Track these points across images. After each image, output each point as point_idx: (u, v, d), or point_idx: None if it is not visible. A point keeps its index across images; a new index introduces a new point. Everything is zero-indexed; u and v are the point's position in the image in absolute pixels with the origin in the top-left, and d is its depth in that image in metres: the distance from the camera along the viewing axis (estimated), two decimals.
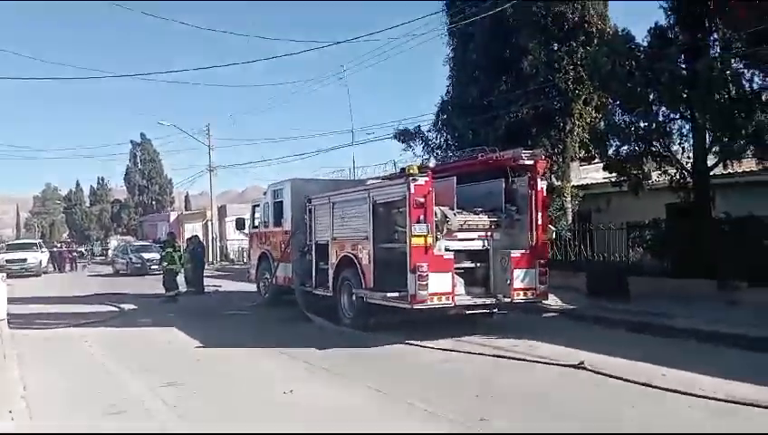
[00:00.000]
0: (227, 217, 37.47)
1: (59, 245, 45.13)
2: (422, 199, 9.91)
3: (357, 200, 11.70)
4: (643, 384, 7.18)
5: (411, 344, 10.07)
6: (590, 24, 16.50)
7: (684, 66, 13.40)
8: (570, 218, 17.71)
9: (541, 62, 16.39)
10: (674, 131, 14.21)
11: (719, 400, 6.47)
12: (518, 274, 10.68)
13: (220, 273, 29.99)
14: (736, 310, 11.45)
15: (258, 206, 17.03)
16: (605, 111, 15.70)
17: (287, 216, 14.65)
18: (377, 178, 13.33)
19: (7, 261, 32.63)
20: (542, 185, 11.11)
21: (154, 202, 64.89)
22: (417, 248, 9.87)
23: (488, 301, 10.80)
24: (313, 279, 13.26)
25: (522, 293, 10.76)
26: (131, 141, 65.58)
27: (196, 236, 23.46)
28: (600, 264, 15.16)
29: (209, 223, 40.51)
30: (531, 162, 10.99)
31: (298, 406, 6.84)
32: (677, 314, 11.35)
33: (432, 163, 13.83)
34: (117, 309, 16.28)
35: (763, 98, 12.61)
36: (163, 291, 18.20)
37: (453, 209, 10.58)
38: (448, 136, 18.40)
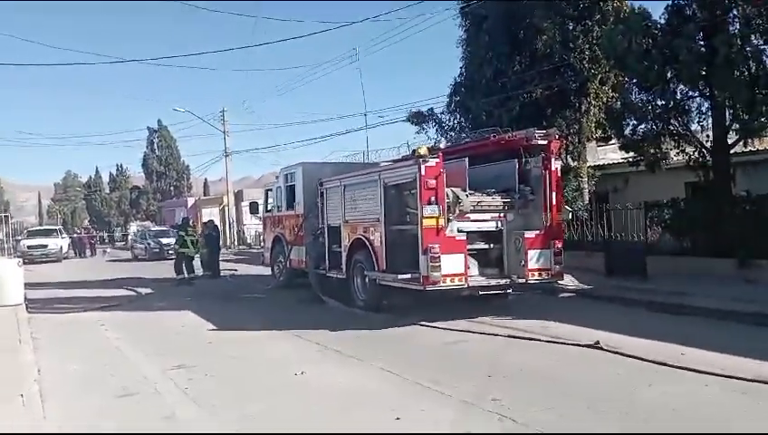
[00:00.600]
0: (244, 202, 37.54)
1: (79, 231, 45.72)
2: (433, 181, 9.82)
3: (368, 183, 11.65)
4: (659, 363, 7.07)
5: (424, 326, 10.04)
6: (605, 2, 16.18)
7: (702, 43, 13.10)
8: (586, 199, 17.52)
9: (555, 42, 16.14)
10: (692, 109, 13.97)
11: (739, 378, 6.34)
12: (532, 254, 10.58)
13: (237, 257, 30.14)
14: (756, 288, 11.29)
15: (271, 190, 17.06)
16: (621, 90, 15.43)
17: (299, 199, 14.64)
18: (390, 160, 13.24)
19: (29, 247, 33.17)
20: (556, 165, 10.96)
21: (172, 188, 65.23)
22: (428, 230, 9.80)
23: (502, 282, 10.72)
24: (326, 262, 13.25)
25: (536, 273, 10.67)
26: (148, 128, 65.79)
27: (212, 220, 23.55)
28: (618, 243, 14.97)
29: (226, 208, 40.68)
30: (544, 142, 10.84)
31: (308, 387, 6.83)
32: (696, 293, 11.23)
33: (443, 144, 13.67)
34: (134, 293, 16.44)
35: None
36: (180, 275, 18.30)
37: (465, 190, 10.49)
38: (462, 118, 18.25)
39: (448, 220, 10.08)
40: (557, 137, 11.13)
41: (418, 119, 19.29)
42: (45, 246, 33.63)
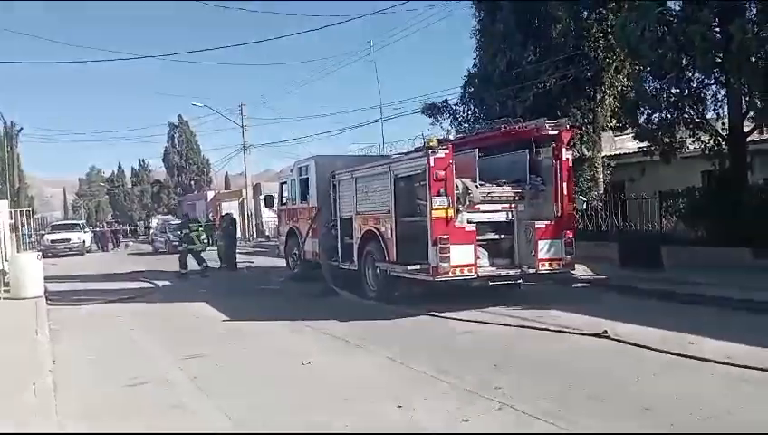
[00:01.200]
0: (261, 196, 37.86)
1: (101, 225, 46.40)
2: (442, 172, 9.85)
3: (379, 175, 11.71)
4: (666, 352, 7.07)
5: (434, 316, 10.08)
6: None
7: (717, 30, 12.91)
8: (601, 189, 17.41)
9: (570, 31, 16.01)
10: (708, 97, 13.82)
11: (744, 367, 6.32)
12: (543, 245, 10.57)
13: (255, 249, 30.38)
14: None
15: (285, 183, 17.17)
16: (635, 79, 15.28)
17: (312, 192, 14.72)
18: (401, 152, 13.26)
19: (52, 241, 33.75)
20: (567, 155, 10.91)
21: (192, 182, 65.94)
22: (437, 221, 9.84)
23: (512, 272, 10.72)
24: (339, 253, 13.34)
25: (547, 263, 10.66)
26: (168, 123, 66.70)
27: (229, 213, 23.81)
28: (633, 233, 14.89)
29: (245, 201, 41.00)
30: (555, 132, 10.80)
31: (314, 377, 6.93)
32: (711, 283, 11.15)
33: (452, 136, 13.68)
34: (152, 285, 16.68)
35: None
36: (197, 267, 18.52)
37: (475, 181, 10.50)
38: (476, 109, 18.20)
39: (458, 211, 10.11)
40: (568, 127, 11.07)
41: (433, 110, 19.27)
42: (68, 240, 34.15)
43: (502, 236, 10.92)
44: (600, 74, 16.31)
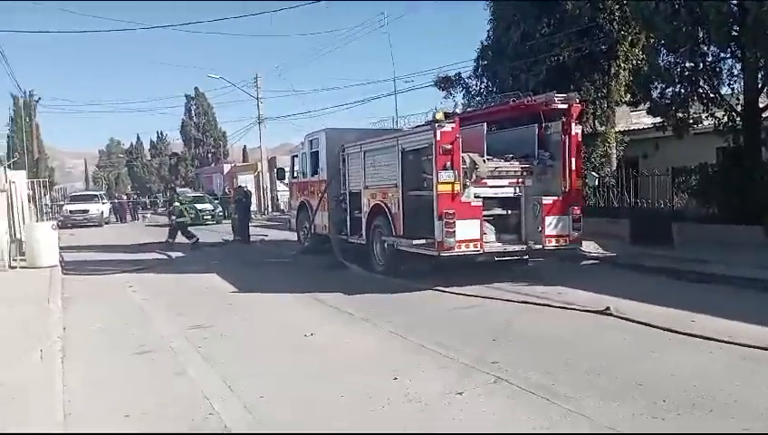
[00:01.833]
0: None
1: (120, 197, 46.87)
2: (448, 146, 9.82)
3: (386, 148, 11.70)
4: (667, 330, 7.07)
5: (439, 290, 10.14)
6: None
7: (734, 2, 12.63)
8: (614, 165, 17.23)
9: (584, 3, 15.72)
10: (723, 72, 13.55)
11: (744, 345, 6.32)
12: (550, 220, 10.55)
13: (270, 222, 30.55)
14: None
15: (297, 156, 17.20)
16: (649, 52, 15.01)
17: (323, 165, 14.74)
18: (411, 126, 13.23)
19: (71, 212, 34.20)
20: (576, 130, 10.83)
21: (209, 154, 66.16)
22: (443, 195, 9.84)
23: (518, 248, 10.72)
24: (348, 227, 13.41)
25: (554, 240, 10.65)
26: (186, 95, 66.70)
27: (242, 186, 23.93)
28: (644, 210, 14.75)
29: (260, 174, 41.12)
30: (564, 106, 10.71)
31: (314, 348, 7.03)
32: (721, 261, 11.09)
33: (459, 109, 13.58)
34: (165, 257, 16.90)
35: None
36: (198, 240, 19.16)
37: (483, 156, 10.45)
38: (489, 82, 18.01)
39: (465, 186, 10.09)
40: (577, 101, 10.94)
41: (446, 84, 19.09)
42: (87, 211, 34.53)
43: (509, 211, 10.91)
44: (615, 48, 16.02)
